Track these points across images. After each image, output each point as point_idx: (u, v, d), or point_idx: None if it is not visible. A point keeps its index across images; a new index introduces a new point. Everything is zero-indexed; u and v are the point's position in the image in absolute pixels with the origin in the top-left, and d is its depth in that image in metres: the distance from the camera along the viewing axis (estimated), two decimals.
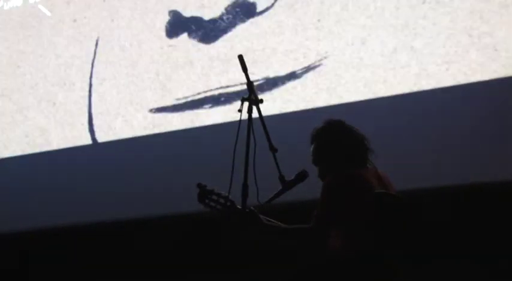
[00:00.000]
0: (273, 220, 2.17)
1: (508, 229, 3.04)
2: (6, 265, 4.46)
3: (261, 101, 2.29)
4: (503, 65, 3.22)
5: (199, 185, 2.14)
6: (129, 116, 4.28)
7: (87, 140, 4.37)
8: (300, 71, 3.78)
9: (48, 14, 4.79)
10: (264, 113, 2.31)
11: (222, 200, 2.13)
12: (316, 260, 2.12)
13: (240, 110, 2.23)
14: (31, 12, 4.86)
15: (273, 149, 2.26)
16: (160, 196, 3.93)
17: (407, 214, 2.08)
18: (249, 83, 2.30)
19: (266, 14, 3.97)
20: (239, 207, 2.12)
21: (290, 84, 3.79)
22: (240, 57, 2.30)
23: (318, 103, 3.66)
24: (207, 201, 2.13)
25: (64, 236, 4.26)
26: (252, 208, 2.12)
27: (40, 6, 4.85)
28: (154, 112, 4.20)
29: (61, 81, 4.59)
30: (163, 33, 4.29)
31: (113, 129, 4.32)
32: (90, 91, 4.46)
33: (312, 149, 2.28)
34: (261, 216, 2.13)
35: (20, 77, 4.76)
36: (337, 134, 2.25)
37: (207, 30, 4.15)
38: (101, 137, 4.37)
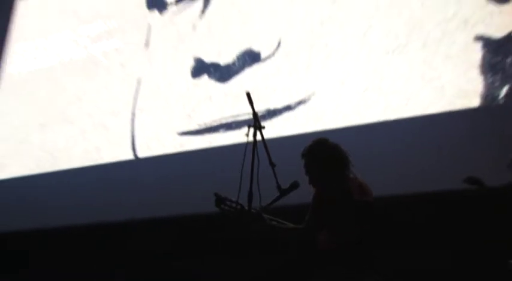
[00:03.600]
0: (277, 219, 2.16)
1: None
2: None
3: (263, 127, 2.31)
4: (448, 102, 3.23)
5: (216, 194, 2.14)
6: (162, 137, 4.28)
7: (130, 156, 4.39)
8: (293, 105, 3.78)
9: (103, 60, 4.86)
10: (265, 137, 2.33)
11: (234, 205, 2.13)
12: (308, 249, 2.11)
13: (247, 134, 2.25)
14: (91, 59, 4.94)
15: (272, 164, 2.28)
16: (184, 199, 3.89)
17: (380, 214, 2.08)
18: (254, 113, 2.31)
19: (268, 61, 4.00)
20: (246, 209, 2.12)
21: (286, 115, 3.78)
22: (248, 94, 2.32)
23: (307, 129, 3.64)
24: (222, 206, 2.14)
25: (105, 233, 4.22)
26: (258, 208, 2.13)
27: (97, 55, 4.93)
28: (181, 135, 4.19)
29: (111, 111, 4.62)
30: (189, 75, 4.31)
31: (150, 148, 4.33)
32: (133, 119, 4.48)
33: (304, 162, 2.23)
34: (265, 215, 2.13)
35: (81, 107, 4.79)
36: (324, 150, 2.21)
37: (222, 73, 4.18)
38: (141, 154, 4.38)
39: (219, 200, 2.13)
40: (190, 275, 3.79)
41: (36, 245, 4.36)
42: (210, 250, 3.76)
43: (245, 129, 2.29)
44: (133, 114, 4.48)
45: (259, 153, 2.20)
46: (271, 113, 3.80)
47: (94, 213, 4.21)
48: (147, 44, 4.62)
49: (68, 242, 4.28)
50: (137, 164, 4.33)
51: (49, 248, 4.32)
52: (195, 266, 3.78)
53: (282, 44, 3.95)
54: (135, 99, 4.52)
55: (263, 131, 2.30)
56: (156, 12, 4.68)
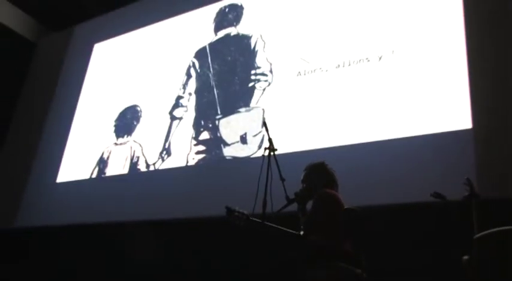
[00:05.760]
0: (278, 226, 2.17)
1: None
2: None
3: (276, 149, 2.38)
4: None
5: (227, 207, 2.17)
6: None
7: (183, 164, 4.35)
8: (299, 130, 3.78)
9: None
10: (277, 157, 2.38)
11: (241, 215, 2.16)
12: (303, 248, 2.13)
13: (263, 155, 2.32)
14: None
15: (282, 179, 2.34)
16: (205, 203, 3.82)
17: (362, 221, 2.15)
18: (269, 138, 2.39)
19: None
20: (250, 218, 2.16)
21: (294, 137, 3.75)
22: (264, 123, 2.46)
23: (310, 148, 3.64)
24: (232, 216, 2.17)
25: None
26: (260, 218, 2.15)
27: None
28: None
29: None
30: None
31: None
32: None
33: (306, 172, 2.31)
34: (266, 222, 2.15)
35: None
36: (325, 169, 2.31)
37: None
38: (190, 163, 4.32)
39: (229, 211, 2.16)
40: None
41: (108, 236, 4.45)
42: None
43: (262, 150, 2.46)
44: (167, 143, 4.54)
45: (272, 170, 2.25)
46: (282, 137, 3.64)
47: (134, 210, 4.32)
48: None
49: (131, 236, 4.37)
50: (187, 170, 4.25)
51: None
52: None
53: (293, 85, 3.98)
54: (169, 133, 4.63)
55: (276, 152, 2.36)
56: None
